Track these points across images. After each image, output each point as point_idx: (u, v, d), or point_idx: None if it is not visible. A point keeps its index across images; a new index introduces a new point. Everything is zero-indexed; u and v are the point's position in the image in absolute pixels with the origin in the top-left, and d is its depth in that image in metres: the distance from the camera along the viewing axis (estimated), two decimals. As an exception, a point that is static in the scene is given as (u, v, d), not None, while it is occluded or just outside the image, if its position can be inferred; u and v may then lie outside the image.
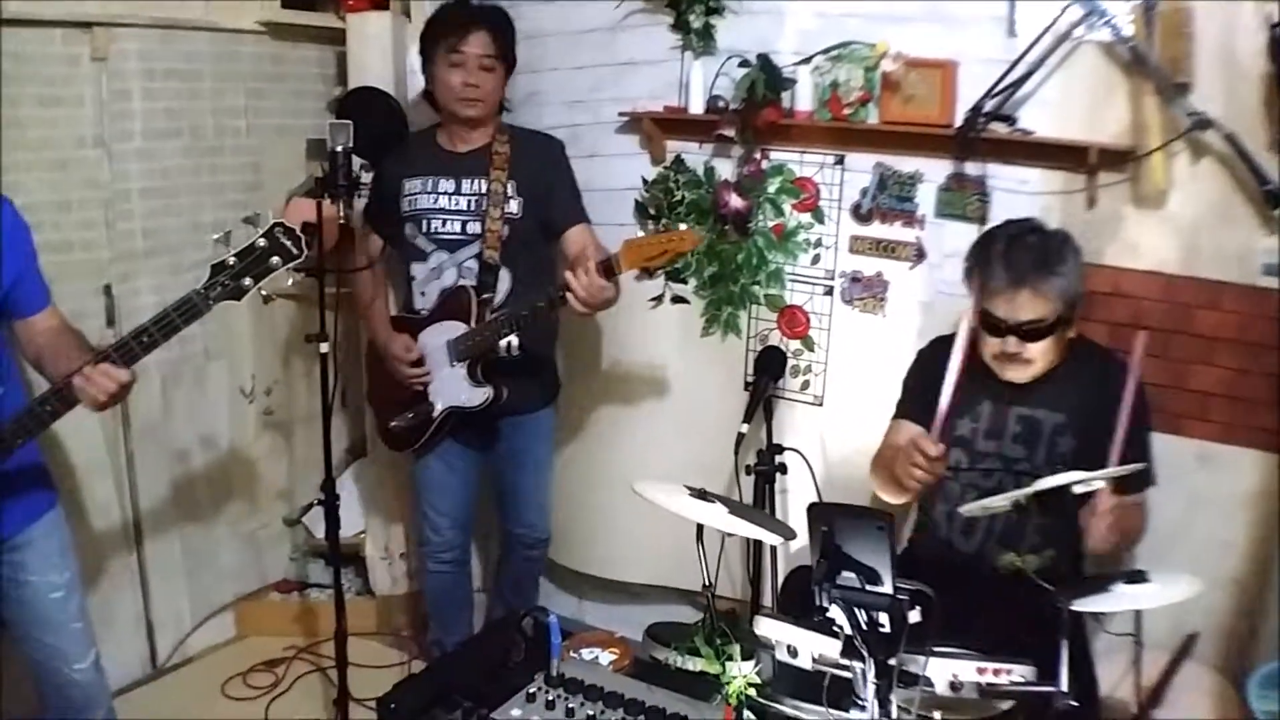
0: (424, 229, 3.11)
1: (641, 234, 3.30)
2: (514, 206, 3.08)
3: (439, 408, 3.12)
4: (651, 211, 3.42)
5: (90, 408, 2.26)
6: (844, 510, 2.13)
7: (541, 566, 3.62)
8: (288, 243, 2.22)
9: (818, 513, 2.04)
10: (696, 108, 3.25)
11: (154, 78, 3.31)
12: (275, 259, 2.21)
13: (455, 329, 3.05)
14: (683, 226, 2.87)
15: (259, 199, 3.66)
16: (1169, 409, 2.74)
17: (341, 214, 2.83)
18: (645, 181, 3.43)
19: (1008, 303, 2.42)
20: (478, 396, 3.08)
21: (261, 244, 2.21)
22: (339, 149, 2.71)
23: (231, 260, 2.20)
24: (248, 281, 2.22)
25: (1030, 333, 2.43)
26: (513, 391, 3.11)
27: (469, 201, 3.08)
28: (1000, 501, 2.21)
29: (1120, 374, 2.54)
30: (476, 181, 3.08)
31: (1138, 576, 2.10)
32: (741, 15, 3.19)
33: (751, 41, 3.16)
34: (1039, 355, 2.46)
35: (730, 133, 3.16)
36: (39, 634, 2.56)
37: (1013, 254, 2.42)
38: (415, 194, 3.11)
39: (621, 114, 3.39)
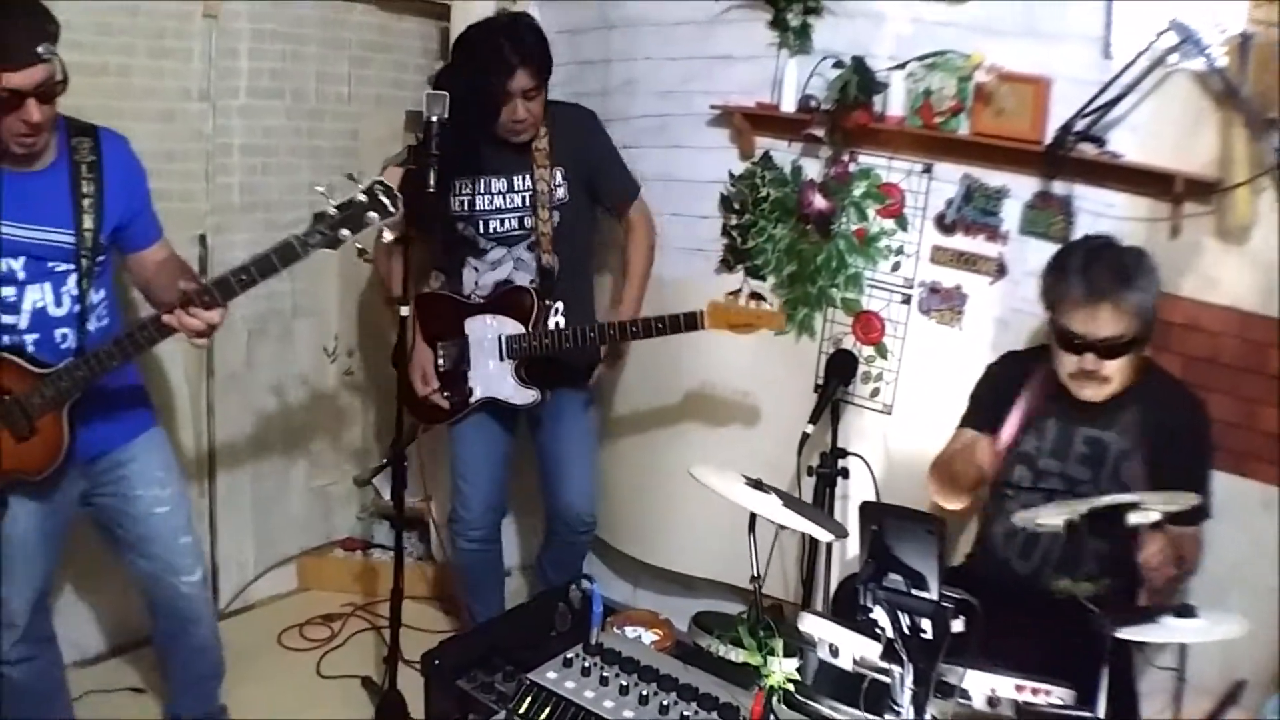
0: (481, 229, 3.18)
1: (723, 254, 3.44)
2: (561, 193, 3.18)
3: (478, 394, 3.21)
4: (736, 206, 3.43)
5: (188, 337, 2.36)
6: (894, 511, 2.14)
7: (585, 552, 3.64)
8: (385, 200, 2.29)
9: (868, 512, 2.06)
10: (788, 106, 3.25)
11: (262, 39, 3.41)
12: (372, 214, 2.29)
13: (510, 325, 3.15)
14: (769, 305, 3.05)
15: (354, 164, 3.72)
16: (1236, 448, 2.69)
17: (432, 185, 2.89)
18: (732, 176, 3.44)
19: (1087, 318, 2.41)
20: (523, 397, 3.20)
21: (361, 198, 2.29)
22: (434, 119, 2.76)
23: (332, 211, 2.29)
24: (344, 232, 2.30)
25: (1109, 349, 2.42)
26: (555, 367, 3.22)
27: (522, 198, 3.17)
28: (1052, 516, 2.19)
29: (1188, 404, 2.52)
30: (525, 177, 3.16)
31: (1186, 611, 2.08)
32: (839, 16, 3.18)
33: (847, 43, 3.16)
34: (1116, 373, 2.45)
35: (820, 133, 3.16)
36: (147, 547, 2.69)
37: (1092, 269, 2.41)
38: (468, 195, 3.17)
39: (713, 106, 3.41)
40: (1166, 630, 2.06)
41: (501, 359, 3.17)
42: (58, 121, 2.40)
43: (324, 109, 3.68)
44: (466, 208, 3.17)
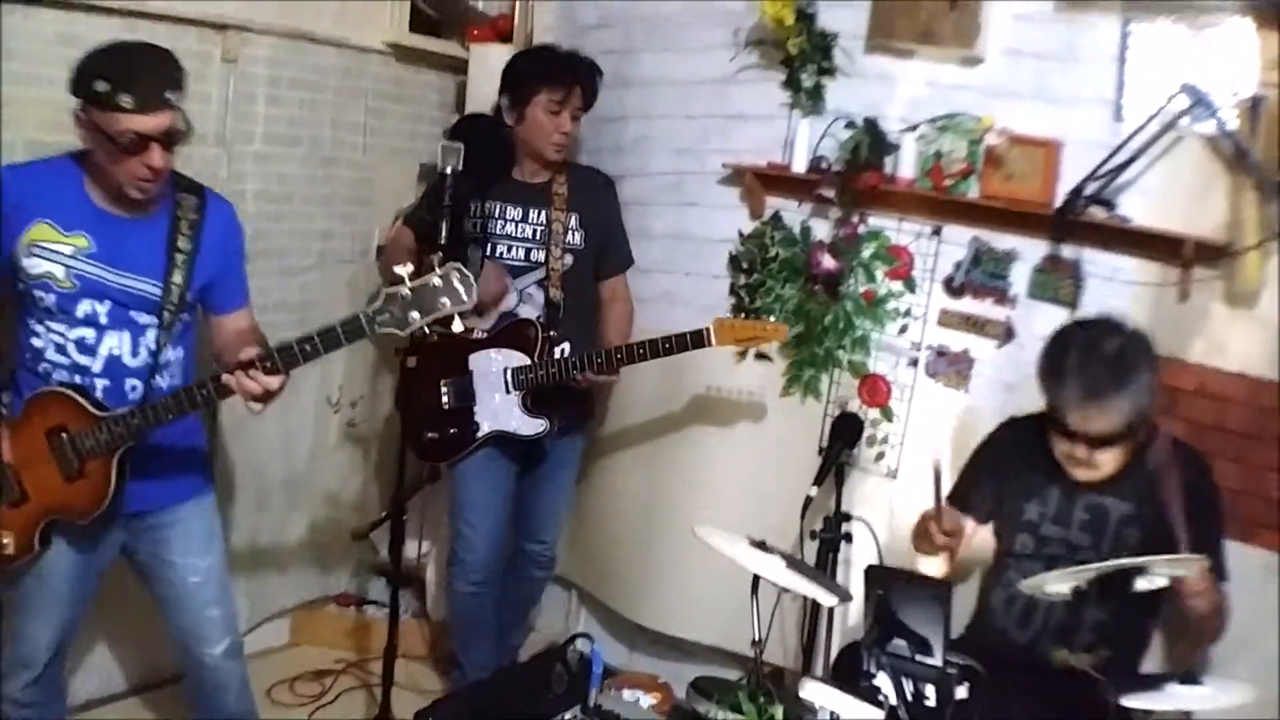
0: (489, 252, 3.22)
1: (730, 314, 3.44)
2: (577, 239, 3.27)
3: (485, 429, 3.19)
4: (744, 265, 3.43)
5: (245, 401, 2.34)
6: (901, 575, 2.11)
7: (543, 590, 3.67)
8: (460, 288, 2.20)
9: (874, 576, 2.02)
10: (799, 166, 3.27)
11: (280, 85, 3.43)
12: (445, 300, 2.20)
13: (516, 358, 3.16)
14: (771, 319, 3.09)
15: (368, 214, 3.78)
16: (1244, 516, 2.65)
17: (443, 237, 2.89)
18: (741, 235, 3.44)
19: (1079, 416, 2.38)
20: (533, 427, 3.20)
21: (436, 283, 2.20)
22: (448, 170, 2.77)
23: (406, 293, 2.21)
24: (415, 315, 2.21)
25: (1100, 441, 2.39)
26: (558, 404, 3.24)
27: (533, 230, 3.24)
28: (1059, 583, 2.15)
29: (1196, 466, 2.49)
30: (541, 212, 3.23)
31: (1191, 678, 2.04)
32: (853, 78, 3.21)
33: (861, 105, 3.18)
34: (1108, 461, 2.42)
35: (830, 193, 3.17)
36: (174, 614, 2.65)
37: (1087, 368, 2.37)
38: (483, 218, 3.22)
39: (725, 165, 3.42)
40: (1173, 698, 2.03)
41: (508, 391, 3.17)
42: (167, 176, 2.42)
43: (339, 158, 3.69)
44: (478, 230, 3.20)
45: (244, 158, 3.39)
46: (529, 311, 3.24)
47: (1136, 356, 2.38)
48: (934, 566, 2.57)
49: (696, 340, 3.01)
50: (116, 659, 3.39)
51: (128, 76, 2.18)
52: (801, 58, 3.23)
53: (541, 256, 3.23)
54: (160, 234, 2.41)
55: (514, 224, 3.23)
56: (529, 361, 3.15)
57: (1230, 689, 2.02)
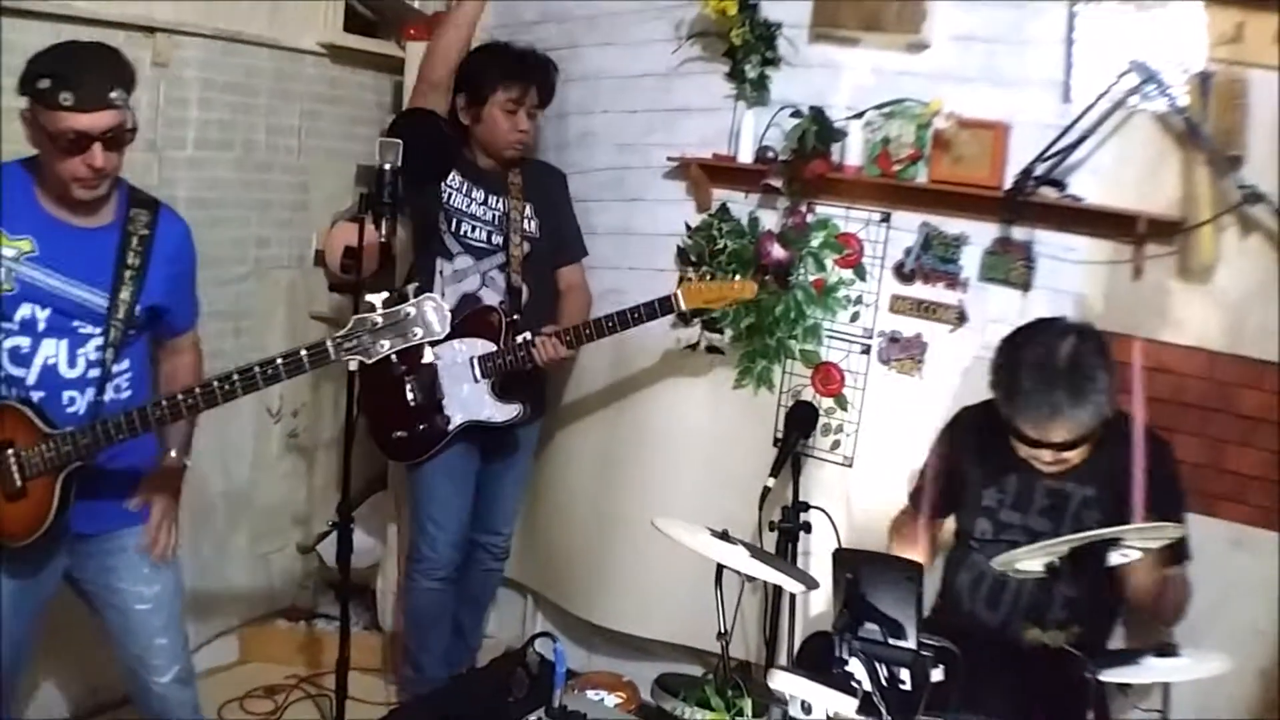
0: (453, 228, 3.21)
1: (694, 280, 3.33)
2: (533, 227, 3.27)
3: (456, 420, 3.15)
4: (693, 259, 3.39)
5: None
6: (871, 558, 2.08)
7: (499, 583, 3.65)
8: (433, 318, 2.14)
9: (843, 559, 1.98)
10: (745, 157, 3.24)
11: (212, 89, 3.35)
12: (417, 330, 2.14)
13: (480, 345, 3.13)
14: (738, 278, 2.99)
15: (305, 219, 3.69)
16: (1205, 490, 2.67)
17: (383, 235, 2.82)
18: (689, 228, 3.40)
19: (1035, 427, 2.32)
20: (505, 413, 3.17)
21: (409, 312, 2.15)
22: (387, 167, 2.70)
23: (377, 320, 2.15)
24: (384, 344, 2.16)
25: (1062, 446, 2.34)
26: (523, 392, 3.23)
27: (494, 215, 3.23)
28: (1032, 559, 2.12)
29: (1154, 446, 2.48)
30: (500, 199, 3.24)
31: (1168, 650, 2.03)
32: (797, 68, 3.19)
33: (805, 94, 3.15)
34: (1075, 457, 2.39)
35: (777, 183, 3.14)
36: (122, 641, 2.55)
37: (1041, 386, 2.29)
38: (452, 190, 3.21)
39: (670, 159, 3.38)
40: (1151, 670, 2.02)
41: (477, 380, 3.12)
42: (121, 187, 2.35)
43: (274, 161, 3.61)
44: (446, 201, 3.19)
45: (176, 163, 3.30)
46: (491, 297, 3.21)
47: (1092, 361, 2.30)
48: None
49: (665, 306, 2.98)
50: (58, 685, 3.26)
51: (70, 74, 2.13)
52: (745, 48, 3.19)
53: (501, 241, 3.21)
54: (110, 245, 2.34)
55: (478, 205, 3.22)
56: (495, 347, 3.11)
57: (1207, 659, 2.02)
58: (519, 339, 3.11)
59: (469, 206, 3.22)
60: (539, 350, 3.06)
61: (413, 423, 3.18)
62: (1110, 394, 2.33)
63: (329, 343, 2.17)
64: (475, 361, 3.13)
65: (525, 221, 3.24)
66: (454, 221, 3.21)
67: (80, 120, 2.14)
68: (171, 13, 3.16)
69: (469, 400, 3.15)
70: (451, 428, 3.16)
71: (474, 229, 3.22)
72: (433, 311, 2.14)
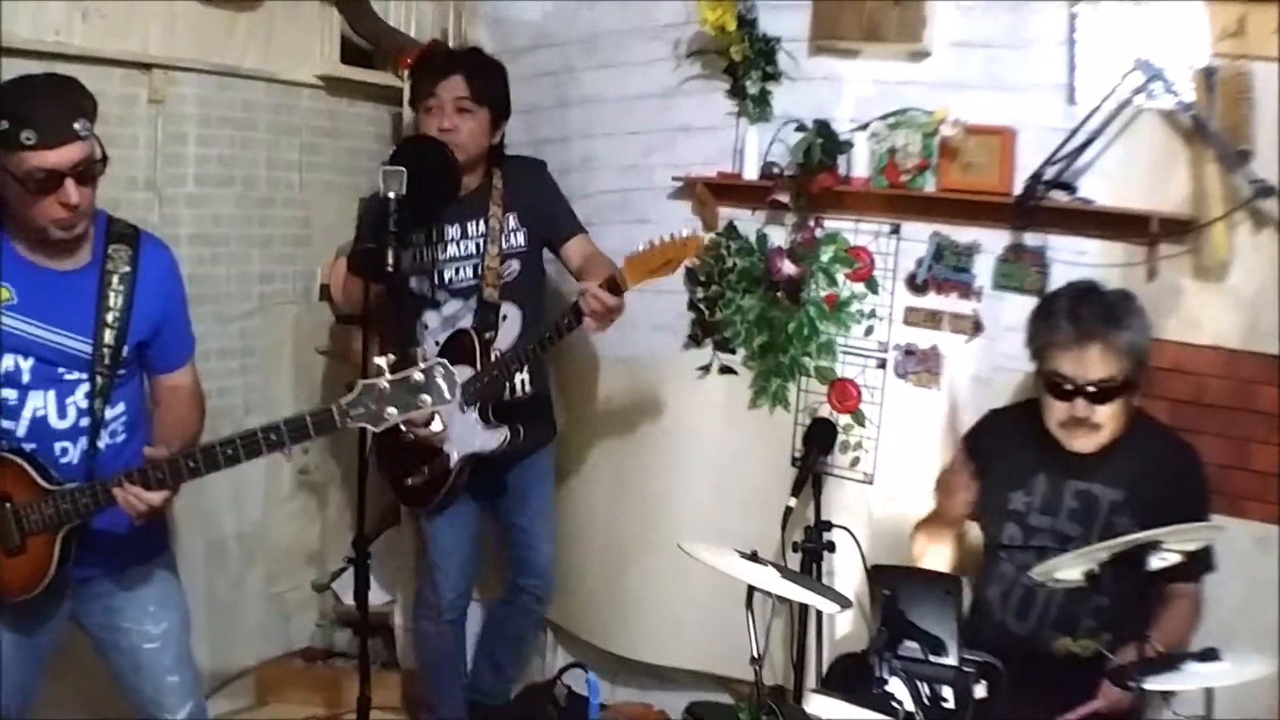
0: (436, 280, 3.08)
1: (690, 330, 3.32)
2: (520, 239, 3.08)
3: (455, 457, 3.04)
4: (702, 278, 3.37)
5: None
6: (909, 573, 2.04)
7: (540, 625, 3.54)
8: (443, 384, 2.08)
9: (880, 576, 1.95)
10: (751, 174, 3.21)
11: (210, 124, 3.32)
12: (426, 397, 2.08)
13: (461, 373, 2.91)
14: (685, 232, 2.77)
15: (308, 254, 3.67)
16: (1229, 490, 2.64)
17: (391, 264, 2.79)
18: (696, 247, 3.38)
19: (1075, 360, 2.37)
20: (494, 439, 3.03)
21: (418, 378, 2.08)
22: (391, 196, 2.66)
23: (384, 385, 2.08)
24: (391, 411, 2.09)
25: (1099, 394, 2.36)
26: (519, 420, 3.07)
27: (475, 245, 3.06)
28: (1070, 566, 2.09)
29: (1180, 450, 2.48)
30: (479, 222, 3.06)
31: (1210, 655, 2.00)
32: (799, 82, 3.17)
33: (808, 109, 3.14)
34: (1108, 420, 2.40)
35: (784, 198, 3.12)
36: (132, 680, 2.50)
37: (1079, 310, 2.39)
38: (421, 246, 3.07)
39: (675, 179, 3.36)
40: (1195, 676, 1.98)
41: (463, 410, 2.99)
42: (98, 221, 2.28)
43: (275, 196, 3.59)
44: (419, 259, 3.07)
45: (176, 200, 3.27)
46: (469, 322, 3.07)
47: (1127, 302, 2.42)
48: (940, 558, 2.50)
49: (612, 286, 2.73)
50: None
51: (28, 111, 2.04)
52: (745, 64, 3.19)
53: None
54: (90, 286, 2.26)
55: (455, 244, 3.08)
56: (473, 371, 2.97)
57: (1250, 662, 1.99)
58: (499, 357, 2.96)
59: (446, 251, 3.07)
60: (587, 303, 2.75)
61: (417, 464, 3.09)
62: (1146, 334, 2.41)
63: (334, 410, 2.11)
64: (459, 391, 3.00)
65: (508, 236, 3.07)
66: (434, 275, 3.07)
67: (48, 158, 2.05)
68: (167, 48, 3.13)
69: (461, 432, 3.02)
70: (453, 465, 3.05)
71: (458, 271, 3.08)
72: (442, 377, 2.07)
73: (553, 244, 3.14)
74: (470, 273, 3.08)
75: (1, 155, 2.06)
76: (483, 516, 3.30)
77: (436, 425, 2.13)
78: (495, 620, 3.46)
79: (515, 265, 3.09)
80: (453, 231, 3.07)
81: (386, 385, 2.08)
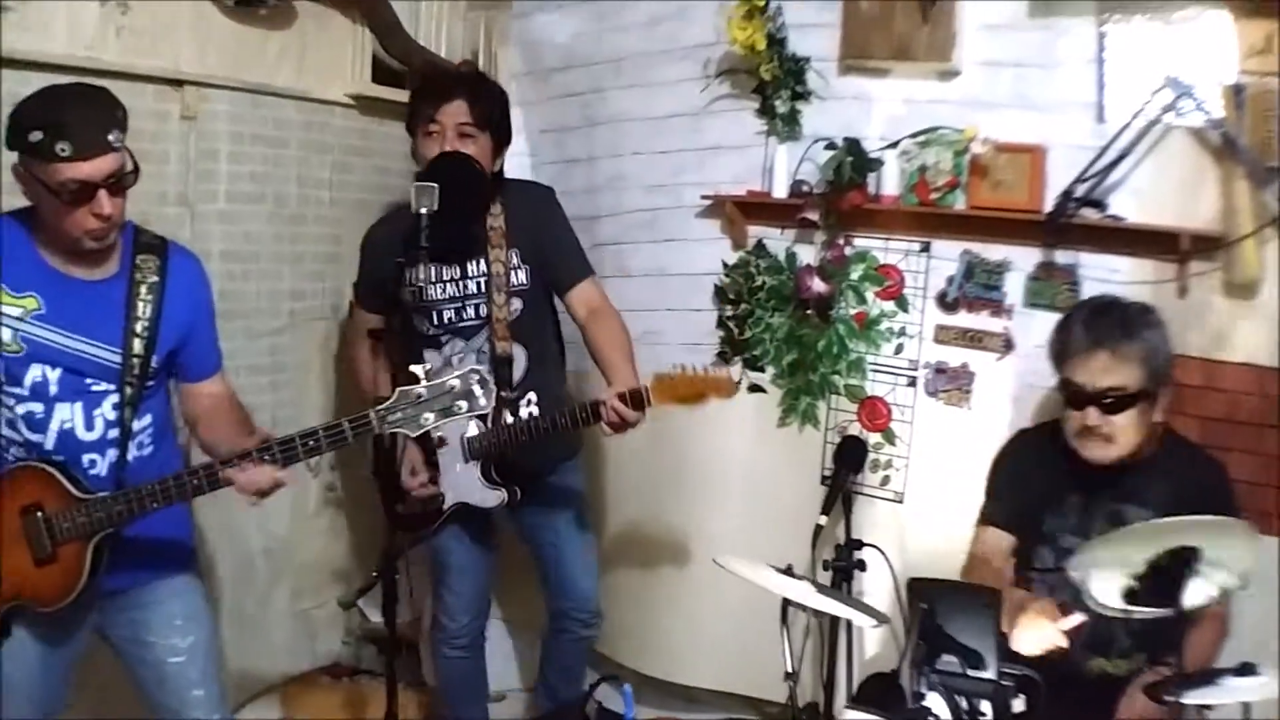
0: (436, 320, 2.98)
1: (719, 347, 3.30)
2: (522, 276, 2.96)
3: (449, 500, 3.00)
4: (731, 296, 3.38)
5: (244, 497, 2.22)
6: (946, 586, 2.03)
7: (588, 649, 3.44)
8: (479, 392, 2.10)
9: (918, 589, 1.94)
10: (780, 193, 3.23)
11: (242, 141, 3.34)
12: (462, 404, 2.10)
13: (472, 426, 2.91)
14: (722, 371, 2.80)
15: (338, 271, 3.67)
16: (1260, 507, 2.62)
17: (419, 281, 2.80)
18: (725, 266, 3.40)
19: (1086, 367, 2.40)
20: (491, 499, 2.96)
21: (454, 384, 2.11)
22: (423, 211, 2.67)
23: (420, 392, 2.11)
24: (428, 417, 2.11)
25: (1112, 403, 2.37)
26: (531, 452, 2.96)
27: (477, 284, 2.95)
28: (1109, 550, 2.05)
29: (1210, 469, 2.47)
30: (480, 261, 2.94)
31: (1247, 669, 1.98)
32: (828, 101, 3.19)
33: (838, 127, 3.16)
34: (1121, 431, 2.40)
35: (814, 216, 3.13)
36: (157, 695, 2.49)
37: (1096, 320, 2.44)
38: (422, 284, 2.96)
39: (704, 197, 3.38)
40: (1234, 690, 1.96)
41: (465, 460, 2.95)
42: (126, 232, 2.29)
43: (305, 213, 3.60)
44: (418, 298, 2.97)
45: (208, 217, 3.28)
46: (471, 363, 2.93)
47: (1142, 314, 2.45)
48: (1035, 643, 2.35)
49: (637, 402, 2.68)
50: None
51: (62, 122, 2.04)
52: (775, 84, 3.21)
53: (487, 310, 2.95)
54: (118, 296, 2.27)
55: (455, 284, 2.96)
56: (482, 428, 2.90)
57: None
58: (523, 409, 2.93)
59: (446, 291, 2.95)
60: (607, 414, 2.71)
61: (413, 500, 3.03)
62: (1164, 347, 2.43)
63: (373, 415, 2.12)
64: (465, 442, 2.93)
65: (511, 274, 2.93)
66: (434, 314, 2.96)
67: (81, 169, 2.06)
68: (199, 65, 3.15)
69: (460, 481, 2.97)
70: (446, 507, 3.00)
71: (459, 311, 2.96)
72: (477, 384, 2.09)
73: (557, 289, 3.03)
74: (472, 313, 2.97)
75: (35, 166, 2.07)
76: (494, 540, 3.22)
77: (471, 430, 2.15)
78: (547, 652, 3.37)
79: (518, 304, 2.97)
80: (451, 271, 2.96)
81: (423, 391, 2.10)
